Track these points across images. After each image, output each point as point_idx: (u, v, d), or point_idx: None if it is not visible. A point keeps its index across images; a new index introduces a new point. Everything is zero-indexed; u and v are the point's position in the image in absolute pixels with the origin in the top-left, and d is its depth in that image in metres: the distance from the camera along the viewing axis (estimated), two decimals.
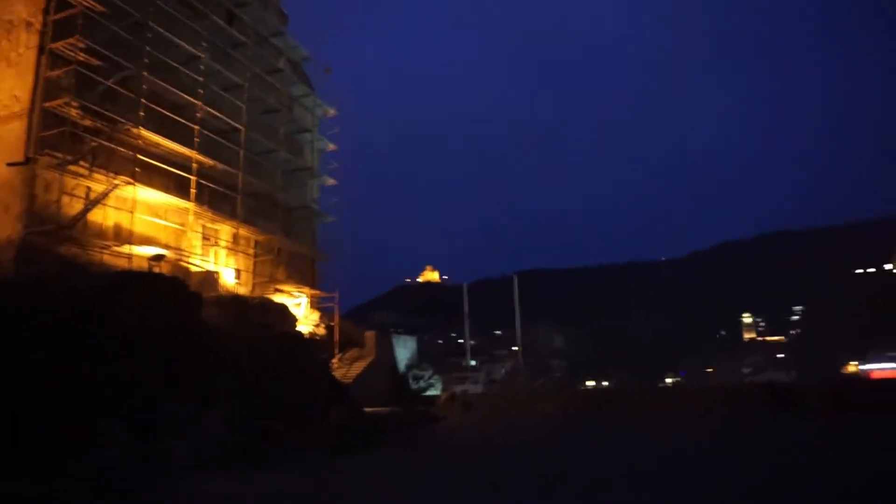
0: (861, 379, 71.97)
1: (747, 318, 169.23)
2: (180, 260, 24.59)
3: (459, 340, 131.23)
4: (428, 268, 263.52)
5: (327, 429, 17.80)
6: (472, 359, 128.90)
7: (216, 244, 28.21)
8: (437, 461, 16.28)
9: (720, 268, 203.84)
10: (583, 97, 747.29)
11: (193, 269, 25.15)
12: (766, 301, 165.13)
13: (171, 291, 18.32)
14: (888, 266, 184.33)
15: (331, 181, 39.20)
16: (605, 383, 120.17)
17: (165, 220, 24.87)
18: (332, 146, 39.45)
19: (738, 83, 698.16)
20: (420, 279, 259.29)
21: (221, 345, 18.26)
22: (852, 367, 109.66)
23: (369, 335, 33.36)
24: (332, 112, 39.42)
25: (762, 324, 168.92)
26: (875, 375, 79.33)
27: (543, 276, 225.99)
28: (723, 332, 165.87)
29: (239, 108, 29.39)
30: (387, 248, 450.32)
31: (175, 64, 25.13)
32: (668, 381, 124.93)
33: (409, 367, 35.44)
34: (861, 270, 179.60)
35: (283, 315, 25.86)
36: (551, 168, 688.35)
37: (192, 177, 25.42)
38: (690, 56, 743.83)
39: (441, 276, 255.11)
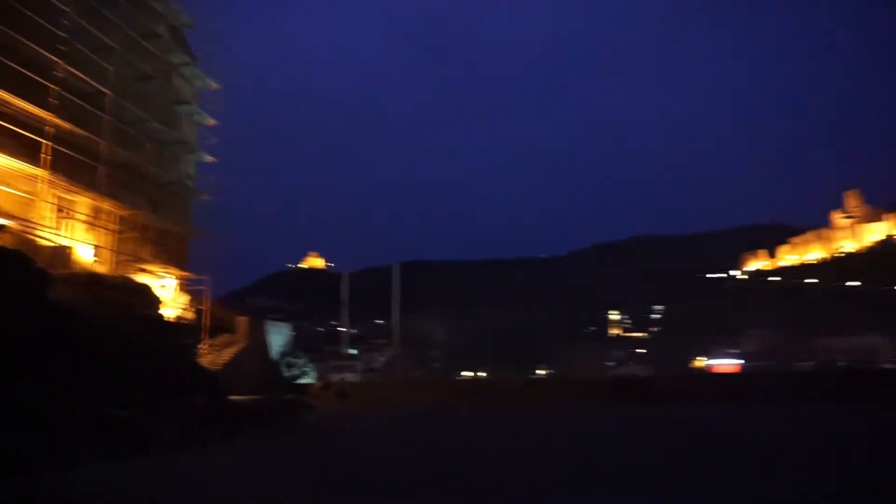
0: (704, 372, 79.82)
1: (614, 315, 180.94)
2: (27, 232, 22.29)
3: (341, 329, 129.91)
4: (311, 254, 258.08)
5: (186, 418, 16.94)
6: (353, 347, 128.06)
7: (72, 217, 25.88)
8: (296, 452, 16.00)
9: (594, 267, 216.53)
10: (481, 96, 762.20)
11: (42, 242, 22.91)
12: (632, 299, 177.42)
13: (13, 266, 16.58)
14: (734, 273, 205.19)
15: (209, 158, 37.27)
16: (483, 374, 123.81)
17: (11, 187, 22.44)
18: (211, 121, 37.48)
19: (623, 91, 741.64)
20: (303, 265, 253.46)
21: (70, 326, 16.79)
22: (699, 362, 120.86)
23: (241, 320, 32.08)
24: (214, 85, 37.42)
25: (628, 320, 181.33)
26: (716, 370, 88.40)
27: (429, 267, 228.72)
28: (592, 328, 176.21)
29: (108, 72, 27.10)
30: (272, 231, 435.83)
31: (32, 15, 22.67)
32: (541, 372, 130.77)
33: (284, 354, 34.56)
34: (713, 275, 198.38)
35: (146, 296, 24.22)
36: (444, 160, 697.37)
37: (45, 141, 23.09)
38: (580, 60, 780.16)
39: (327, 262, 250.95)
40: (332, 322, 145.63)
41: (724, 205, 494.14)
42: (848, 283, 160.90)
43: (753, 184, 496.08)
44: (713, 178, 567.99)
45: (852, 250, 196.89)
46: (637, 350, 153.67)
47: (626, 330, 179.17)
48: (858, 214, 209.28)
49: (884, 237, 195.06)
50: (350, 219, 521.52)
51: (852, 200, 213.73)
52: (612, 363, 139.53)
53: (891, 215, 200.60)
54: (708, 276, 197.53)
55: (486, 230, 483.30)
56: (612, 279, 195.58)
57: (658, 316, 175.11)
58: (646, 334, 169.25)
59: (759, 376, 46.42)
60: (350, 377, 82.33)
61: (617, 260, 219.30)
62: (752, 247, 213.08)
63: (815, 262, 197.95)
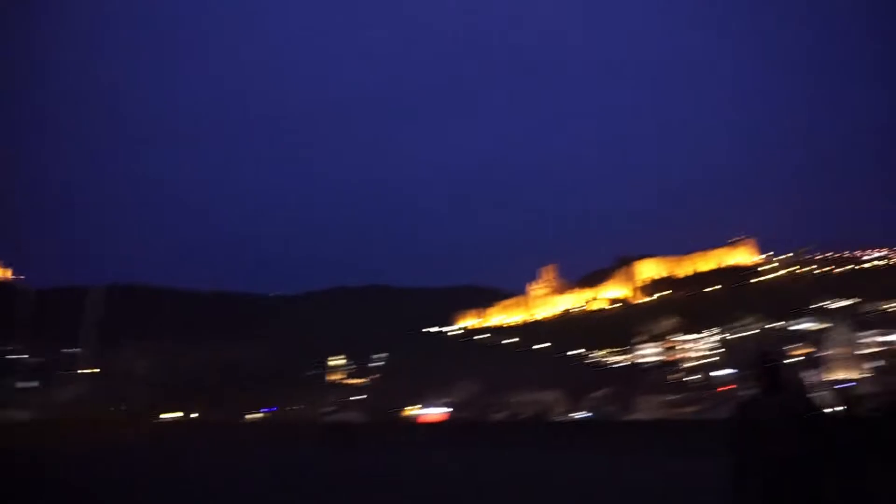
0: (409, 421, 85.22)
1: (336, 361, 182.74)
2: None
3: (24, 356, 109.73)
4: None
5: None
6: (33, 378, 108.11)
7: None
8: None
9: (322, 310, 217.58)
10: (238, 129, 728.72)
11: None
12: (356, 345, 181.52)
13: None
14: (446, 329, 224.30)
15: None
16: (193, 414, 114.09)
17: None
18: None
19: (382, 149, 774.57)
20: None
21: None
22: (408, 410, 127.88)
23: None
24: None
25: (350, 366, 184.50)
26: (421, 419, 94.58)
27: (144, 292, 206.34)
28: (315, 371, 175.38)
29: None
30: None
31: None
32: (256, 415, 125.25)
33: None
34: (432, 329, 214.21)
35: None
36: (186, 185, 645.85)
37: None
38: (350, 109, 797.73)
39: (14, 274, 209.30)
40: (9, 347, 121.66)
41: (447, 265, 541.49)
42: (537, 346, 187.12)
43: (473, 249, 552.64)
44: (440, 239, 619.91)
45: (544, 317, 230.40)
46: (356, 396, 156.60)
47: (348, 375, 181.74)
48: (551, 287, 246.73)
49: (567, 308, 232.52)
50: (57, 226, 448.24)
51: (547, 274, 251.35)
52: (329, 408, 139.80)
53: (574, 291, 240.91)
54: (427, 329, 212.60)
55: (218, 260, 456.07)
56: (339, 324, 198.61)
57: (380, 363, 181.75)
58: (366, 381, 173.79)
59: (455, 425, 50.95)
60: (20, 415, 69.39)
61: (346, 306, 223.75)
62: (466, 305, 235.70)
63: (515, 324, 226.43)
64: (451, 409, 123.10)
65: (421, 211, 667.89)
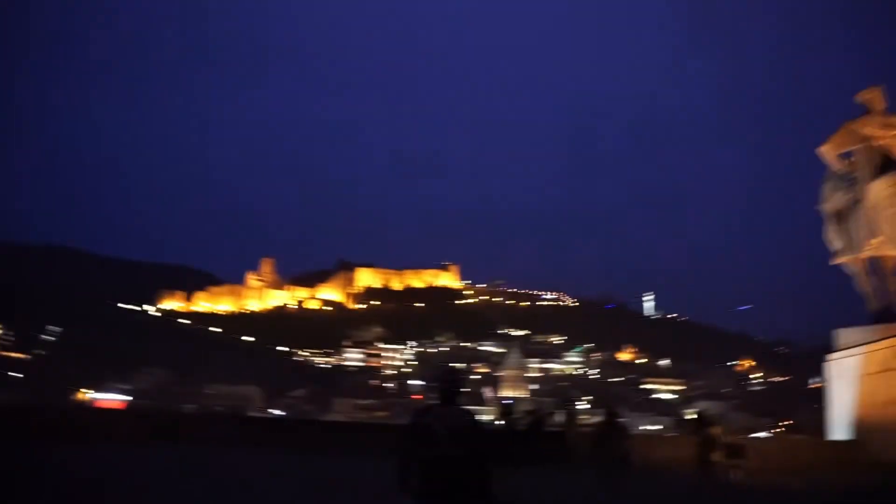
0: (85, 406, 75.41)
1: None
2: None
3: None
4: None
5: None
6: None
7: None
8: None
9: None
10: None
11: None
12: (21, 314, 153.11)
13: None
14: (148, 307, 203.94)
15: None
16: None
17: None
18: None
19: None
20: None
21: None
22: (82, 394, 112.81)
23: None
24: None
25: (7, 336, 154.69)
26: (98, 404, 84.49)
27: None
28: None
29: None
30: None
31: None
32: None
33: None
34: (126, 305, 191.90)
35: None
36: None
37: None
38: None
39: None
40: None
41: (160, 239, 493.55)
42: (243, 338, 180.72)
43: (191, 229, 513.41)
44: (156, 210, 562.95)
45: (256, 310, 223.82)
46: (12, 373, 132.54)
47: (3, 348, 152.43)
48: (268, 280, 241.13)
49: (281, 304, 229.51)
50: None
51: (265, 267, 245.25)
52: None
53: (292, 288, 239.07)
54: (121, 305, 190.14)
55: None
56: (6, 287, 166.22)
57: (52, 338, 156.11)
58: (29, 356, 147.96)
59: (134, 413, 46.54)
60: None
61: (14, 266, 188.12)
62: (174, 286, 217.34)
63: (224, 313, 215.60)
64: (132, 397, 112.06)
65: (141, 179, 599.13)
